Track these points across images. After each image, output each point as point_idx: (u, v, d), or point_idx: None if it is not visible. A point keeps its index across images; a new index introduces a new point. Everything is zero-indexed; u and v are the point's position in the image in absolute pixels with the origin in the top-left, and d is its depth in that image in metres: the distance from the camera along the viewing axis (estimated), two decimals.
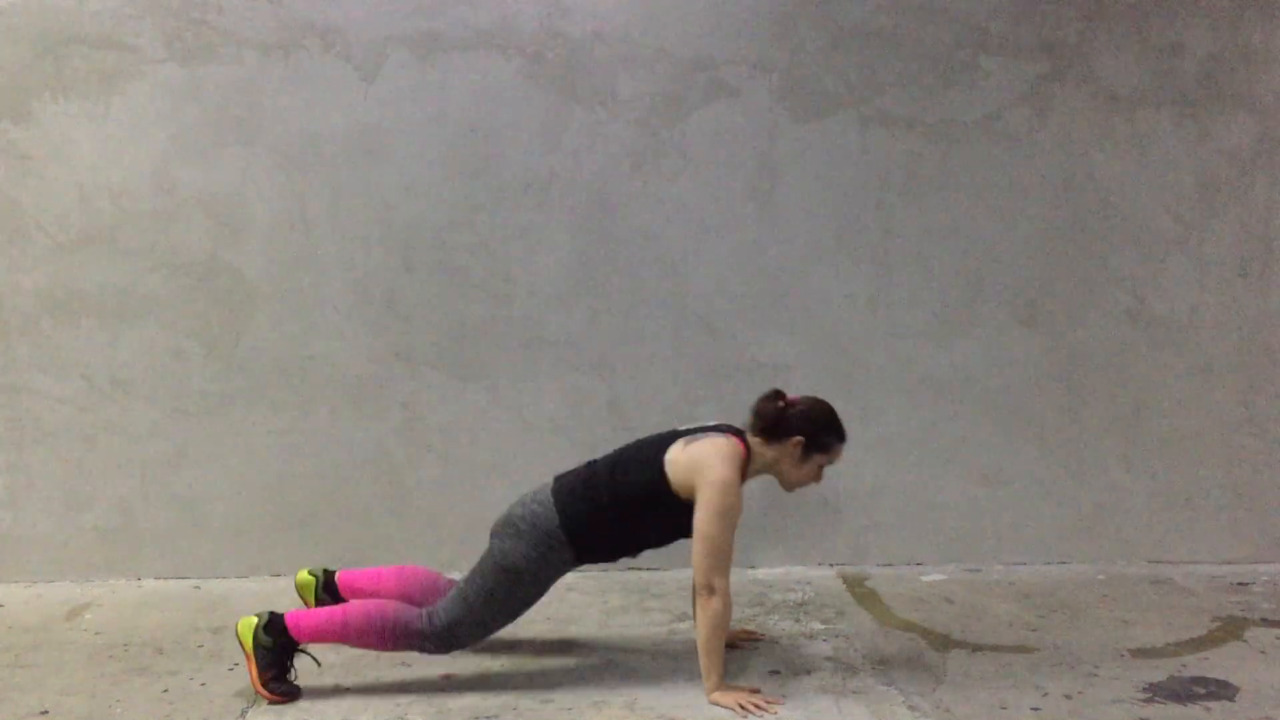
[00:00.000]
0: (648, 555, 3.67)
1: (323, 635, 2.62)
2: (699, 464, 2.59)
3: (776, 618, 3.25)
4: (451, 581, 2.83)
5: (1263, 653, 2.96)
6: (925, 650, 2.98)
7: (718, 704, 2.58)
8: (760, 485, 3.70)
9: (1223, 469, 3.79)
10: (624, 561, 3.67)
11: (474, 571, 2.69)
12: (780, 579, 3.63)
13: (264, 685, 2.58)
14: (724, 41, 3.60)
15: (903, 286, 3.71)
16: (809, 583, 3.59)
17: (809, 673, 2.81)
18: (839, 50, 3.63)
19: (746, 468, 2.69)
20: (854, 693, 2.67)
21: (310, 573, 2.95)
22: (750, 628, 3.13)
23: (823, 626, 3.17)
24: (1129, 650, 2.97)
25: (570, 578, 3.59)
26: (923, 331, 3.72)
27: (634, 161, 3.62)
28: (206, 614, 3.28)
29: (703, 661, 2.62)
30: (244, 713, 2.57)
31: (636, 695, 2.66)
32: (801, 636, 3.09)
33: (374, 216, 3.59)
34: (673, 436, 2.72)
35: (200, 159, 3.54)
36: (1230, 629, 3.14)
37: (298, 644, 2.63)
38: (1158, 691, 2.68)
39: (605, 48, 3.58)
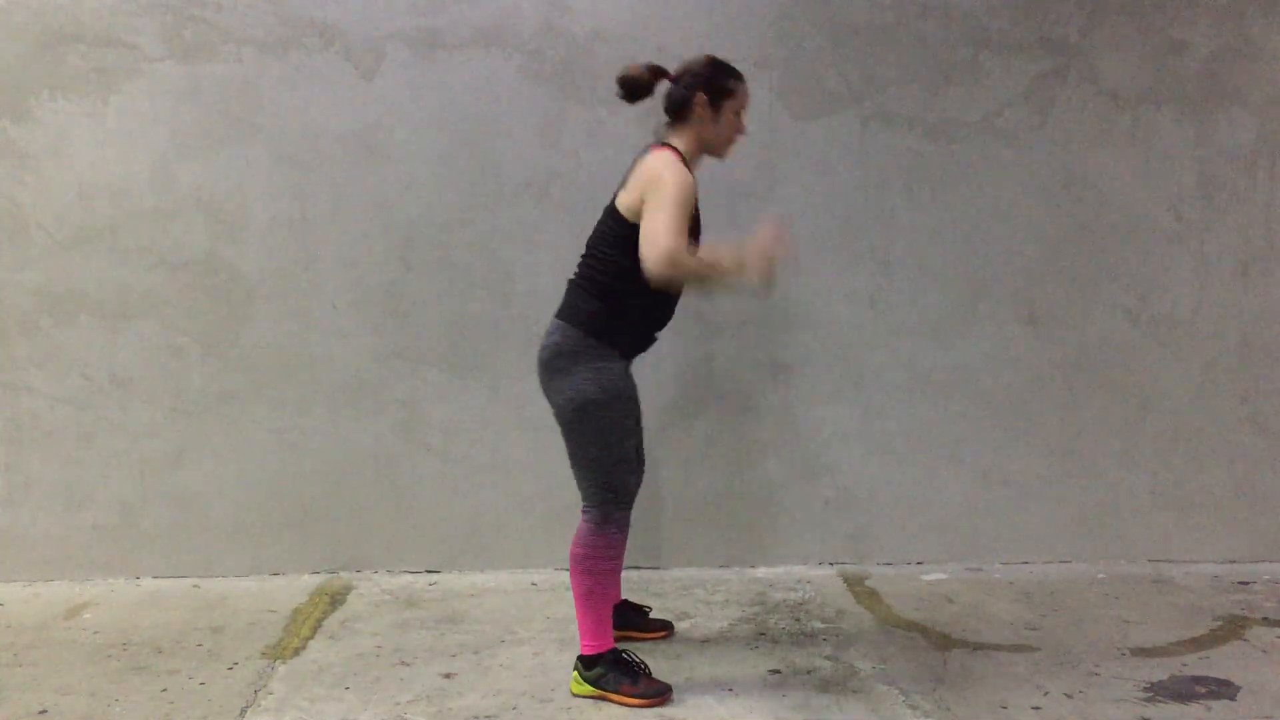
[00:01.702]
0: (648, 555, 3.69)
1: (598, 622, 2.64)
2: (649, 182, 2.51)
3: (777, 617, 3.24)
4: None
5: (1264, 652, 2.95)
6: (926, 649, 2.98)
7: (752, 270, 2.46)
8: (761, 485, 3.71)
9: (1224, 468, 3.79)
10: (623, 561, 3.70)
11: (569, 446, 2.65)
12: (781, 578, 3.63)
13: (641, 699, 2.58)
14: (724, 39, 3.59)
15: (903, 285, 3.70)
16: (809, 582, 3.59)
17: (809, 672, 2.80)
18: (839, 48, 3.62)
19: (686, 163, 2.61)
20: (854, 692, 2.67)
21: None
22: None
23: (823, 626, 3.17)
24: (1130, 649, 2.97)
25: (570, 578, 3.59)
26: (923, 330, 3.72)
27: (633, 160, 3.60)
28: (205, 613, 3.28)
29: (712, 282, 2.53)
30: (242, 712, 2.56)
31: None
32: (802, 636, 3.08)
33: (373, 215, 3.58)
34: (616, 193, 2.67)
35: (199, 157, 3.53)
36: (1231, 628, 3.14)
37: (613, 649, 2.64)
38: (1159, 691, 2.68)
39: (605, 46, 3.57)
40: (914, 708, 2.58)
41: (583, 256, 2.71)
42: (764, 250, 2.48)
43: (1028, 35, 3.65)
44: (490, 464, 3.65)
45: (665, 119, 2.71)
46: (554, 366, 2.62)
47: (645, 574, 3.66)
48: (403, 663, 2.87)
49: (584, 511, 2.67)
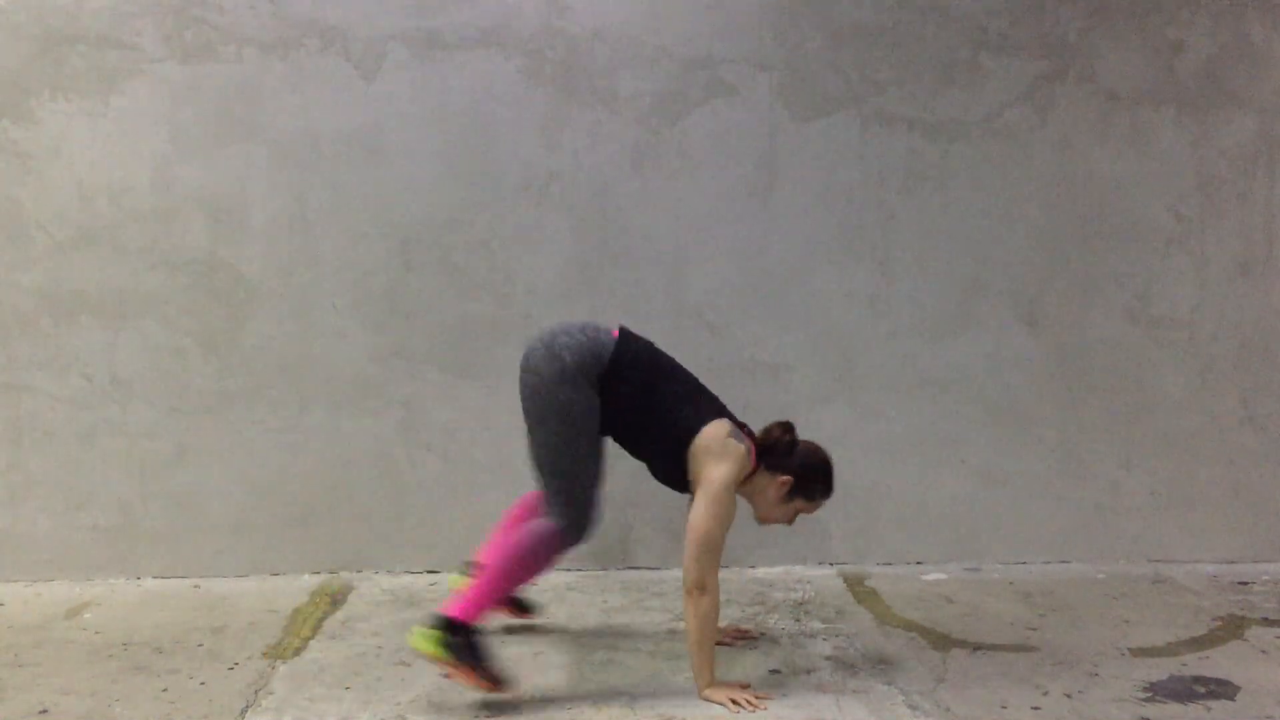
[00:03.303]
0: (648, 555, 3.69)
1: (489, 602, 2.62)
2: (717, 454, 2.62)
3: (776, 617, 3.24)
4: None
5: (1263, 652, 2.95)
6: (925, 649, 2.98)
7: (709, 700, 2.58)
8: None
9: (1223, 467, 3.79)
10: (624, 560, 3.70)
11: (540, 451, 2.68)
12: (780, 578, 3.63)
13: (476, 679, 2.54)
14: (724, 40, 3.60)
15: (902, 285, 3.71)
16: (809, 582, 3.59)
17: (809, 672, 2.81)
18: (839, 49, 3.63)
19: (743, 480, 2.70)
20: (854, 692, 2.67)
21: (461, 572, 3.02)
22: (746, 627, 3.13)
23: (823, 626, 3.17)
24: (1129, 649, 2.97)
25: (570, 577, 3.60)
26: (922, 330, 3.72)
27: (634, 160, 3.62)
28: (206, 613, 3.28)
29: (694, 660, 2.62)
30: (243, 712, 2.57)
31: (637, 694, 2.65)
32: (802, 636, 3.08)
33: (374, 215, 3.58)
34: (718, 404, 2.75)
35: (200, 157, 3.53)
36: (1231, 628, 3.14)
37: (477, 628, 2.59)
38: (1158, 691, 2.68)
39: (605, 46, 3.58)
40: (914, 708, 2.58)
41: (666, 370, 2.75)
42: (730, 698, 2.57)
43: (1027, 36, 3.65)
44: (490, 464, 3.65)
45: (763, 440, 2.74)
46: (553, 361, 2.65)
47: (645, 574, 3.66)
48: (403, 663, 2.87)
49: (550, 516, 2.67)
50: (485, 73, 3.56)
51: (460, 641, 2.54)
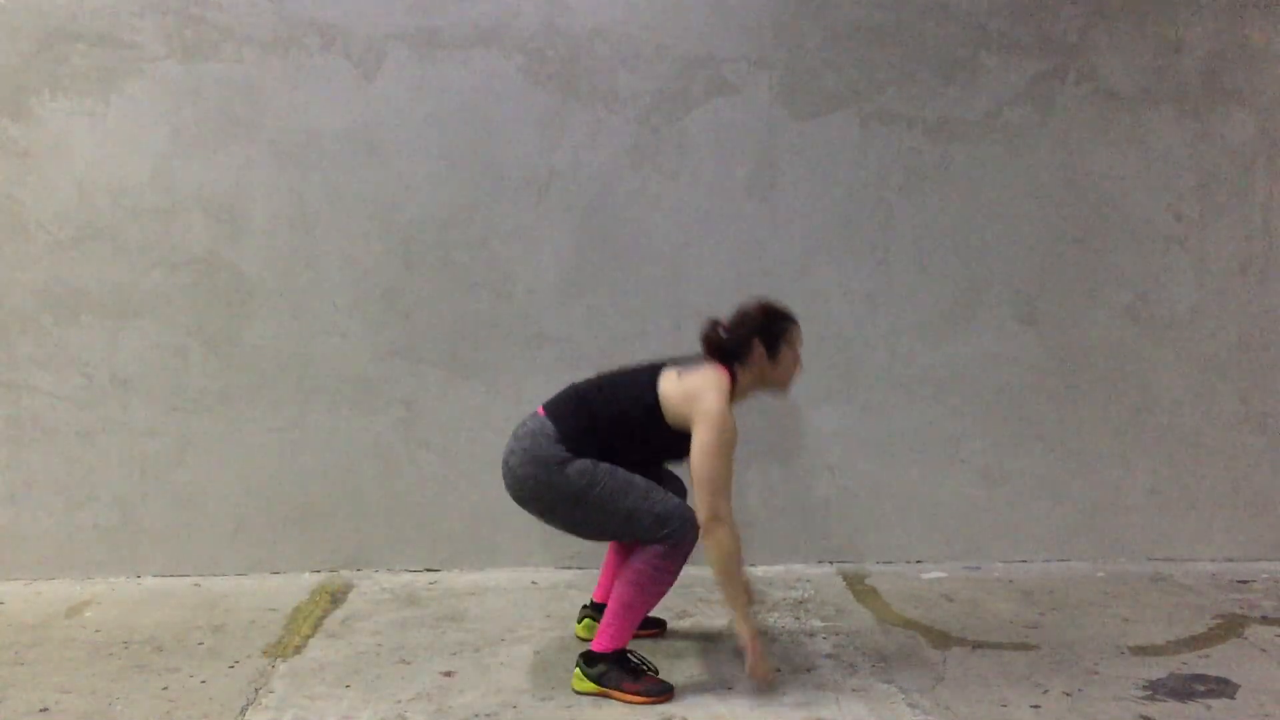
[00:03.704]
0: None
1: (622, 629, 2.64)
2: (692, 395, 2.62)
3: (776, 615, 3.25)
4: None
5: (1263, 650, 2.96)
6: (925, 648, 2.98)
7: (740, 633, 2.63)
8: (760, 483, 3.71)
9: (1223, 466, 3.79)
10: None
11: (585, 532, 2.69)
12: (780, 576, 3.63)
13: (640, 697, 2.59)
14: (724, 39, 3.60)
15: (902, 284, 3.71)
16: (809, 580, 3.59)
17: (809, 670, 2.81)
18: (839, 47, 3.63)
19: (734, 394, 2.70)
20: (854, 691, 2.67)
21: (588, 617, 3.02)
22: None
23: (823, 624, 3.17)
24: (1129, 648, 2.97)
25: (570, 575, 3.60)
26: (922, 329, 3.72)
27: (634, 159, 3.62)
28: (206, 611, 3.28)
29: (724, 592, 2.63)
30: (243, 710, 2.57)
31: None
32: (801, 634, 3.08)
33: (374, 214, 3.58)
34: (659, 366, 2.74)
35: (200, 156, 3.53)
36: (1231, 626, 3.14)
37: (623, 651, 2.64)
38: (1158, 689, 2.68)
39: (605, 45, 3.58)
40: (913, 706, 2.58)
41: (594, 391, 2.74)
42: (753, 648, 2.62)
43: (1027, 34, 3.65)
44: (490, 463, 3.64)
45: (713, 350, 2.74)
46: (524, 474, 2.65)
47: None
48: (403, 661, 2.87)
49: (653, 539, 2.64)
50: (485, 72, 3.56)
51: (603, 669, 2.61)
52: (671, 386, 2.66)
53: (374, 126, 3.56)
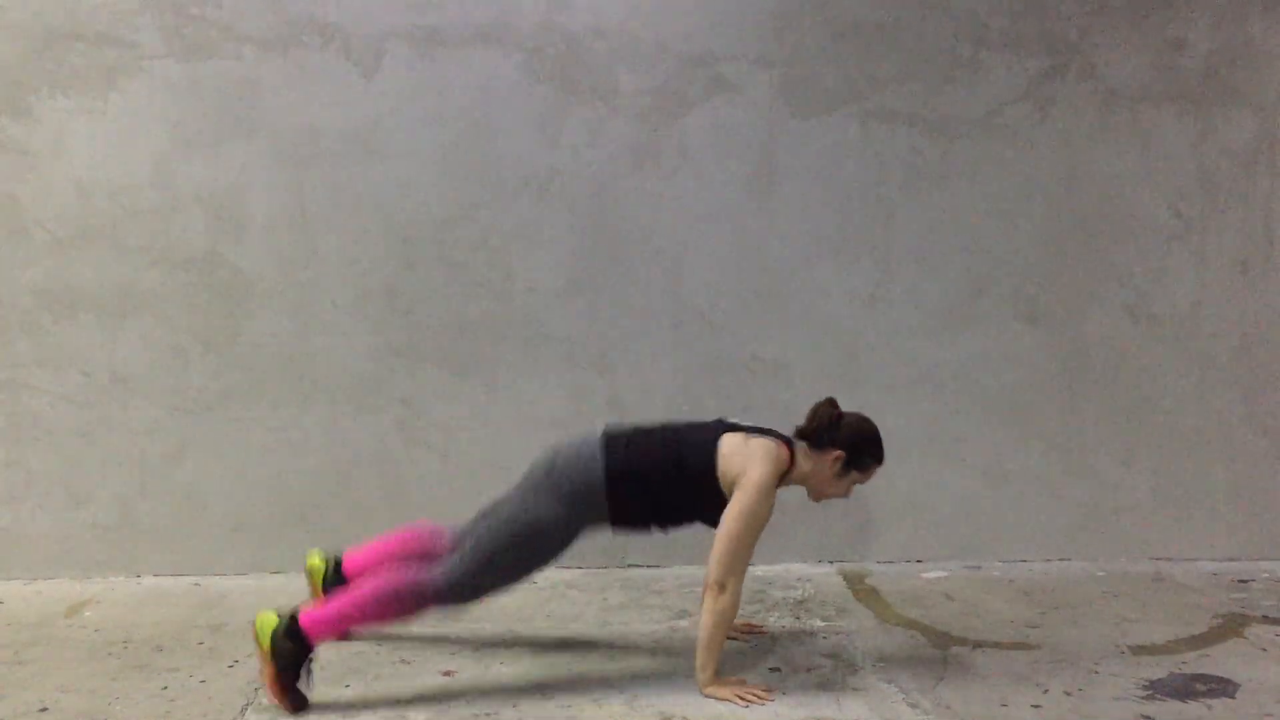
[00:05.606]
0: (647, 553, 3.69)
1: (340, 630, 2.60)
2: (750, 458, 2.61)
3: (776, 615, 3.24)
4: (453, 533, 2.76)
5: (1263, 650, 2.95)
6: (926, 647, 2.98)
7: (713, 696, 2.59)
8: None
9: (1223, 465, 3.79)
10: (624, 559, 3.70)
11: (492, 522, 2.65)
12: (780, 576, 3.63)
13: (278, 689, 2.52)
14: (724, 37, 3.59)
15: (903, 283, 3.70)
16: (809, 580, 3.59)
17: (809, 670, 2.81)
18: (839, 46, 3.62)
19: (787, 474, 2.71)
20: (854, 690, 2.67)
21: (322, 559, 2.94)
22: (753, 622, 3.13)
23: (823, 624, 3.17)
24: (1129, 647, 2.97)
25: (570, 575, 3.60)
26: (923, 328, 3.72)
27: (634, 157, 3.61)
28: (206, 611, 3.28)
29: (700, 655, 2.62)
30: (243, 710, 2.56)
31: (637, 692, 2.65)
32: (802, 633, 3.08)
33: (373, 212, 3.58)
34: (724, 426, 2.73)
35: (199, 155, 3.53)
36: (1231, 626, 3.14)
37: (313, 649, 2.57)
38: (1158, 689, 2.68)
39: (605, 43, 3.57)
40: (914, 706, 2.58)
41: (657, 436, 2.72)
42: (735, 694, 2.58)
43: (1028, 33, 3.65)
44: (490, 461, 3.64)
45: (811, 420, 2.72)
46: (557, 483, 2.64)
47: (646, 573, 3.66)
48: (403, 660, 2.87)
49: (445, 573, 2.60)
50: (485, 70, 3.56)
51: (292, 649, 2.51)
52: (733, 448, 2.64)
53: (373, 125, 3.55)
